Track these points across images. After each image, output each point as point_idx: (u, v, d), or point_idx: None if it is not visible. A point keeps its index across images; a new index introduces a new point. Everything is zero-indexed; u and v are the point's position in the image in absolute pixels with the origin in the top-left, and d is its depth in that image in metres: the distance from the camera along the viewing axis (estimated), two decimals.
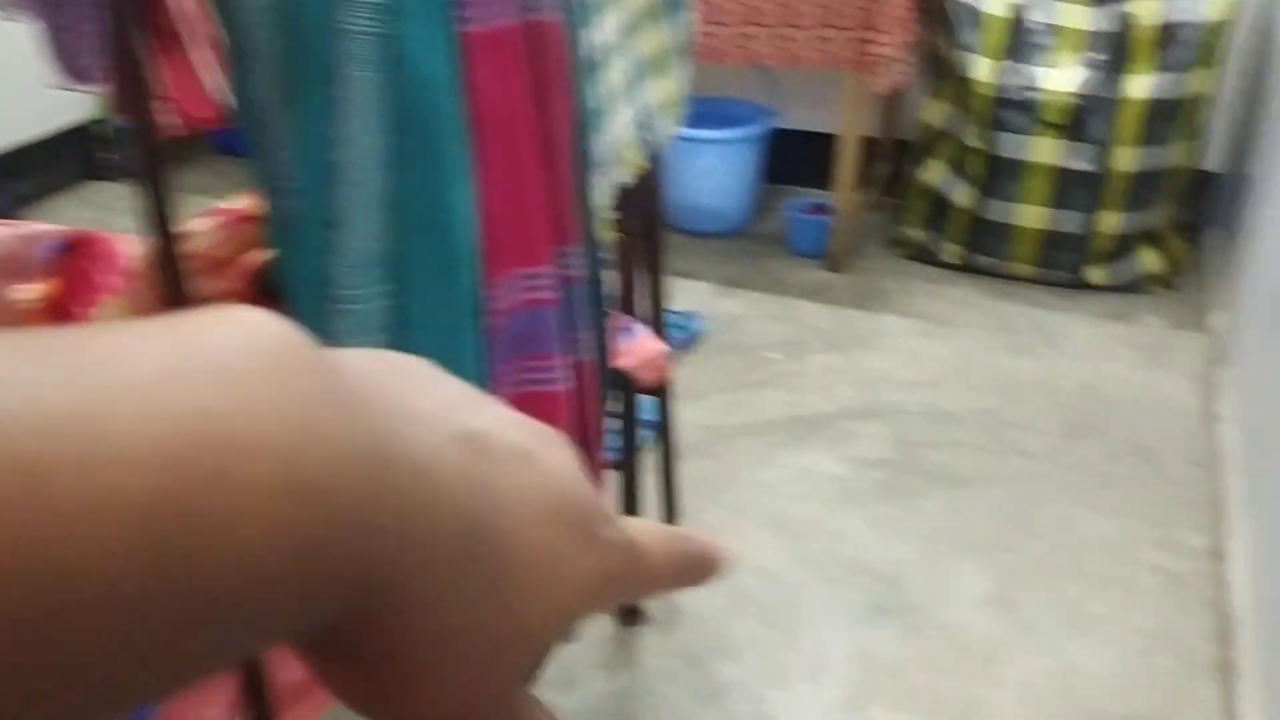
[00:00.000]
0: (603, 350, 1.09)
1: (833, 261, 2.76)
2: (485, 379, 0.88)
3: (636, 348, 1.41)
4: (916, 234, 2.79)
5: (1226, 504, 1.83)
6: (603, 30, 1.12)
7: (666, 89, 1.31)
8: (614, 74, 1.16)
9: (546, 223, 0.90)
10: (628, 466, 1.63)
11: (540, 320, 0.92)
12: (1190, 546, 1.81)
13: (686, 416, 2.19)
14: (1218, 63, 2.40)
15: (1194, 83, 2.39)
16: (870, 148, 3.03)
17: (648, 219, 1.56)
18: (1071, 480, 1.98)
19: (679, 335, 2.43)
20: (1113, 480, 1.98)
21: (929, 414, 2.18)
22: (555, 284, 0.93)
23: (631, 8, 1.22)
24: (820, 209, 2.85)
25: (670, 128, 1.37)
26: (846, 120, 2.61)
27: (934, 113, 2.74)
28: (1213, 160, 2.75)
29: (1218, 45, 2.37)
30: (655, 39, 1.27)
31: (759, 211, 3.06)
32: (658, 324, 1.62)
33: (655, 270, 1.61)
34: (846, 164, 2.64)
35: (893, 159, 3.07)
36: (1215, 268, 2.63)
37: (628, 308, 1.51)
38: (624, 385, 1.55)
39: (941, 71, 2.67)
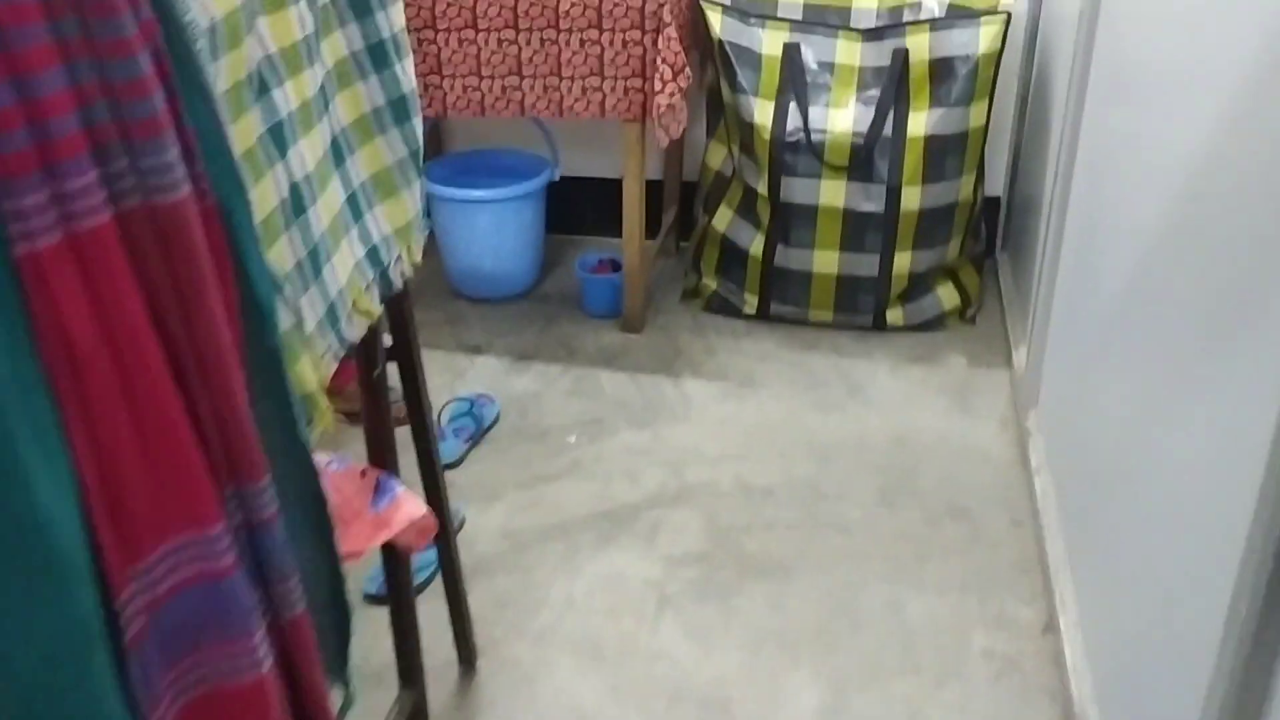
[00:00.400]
0: (333, 578, 0.86)
1: (628, 321, 2.59)
2: (136, 707, 0.63)
3: (396, 513, 1.18)
4: (711, 283, 2.65)
5: (1051, 568, 1.76)
6: (301, 162, 0.89)
7: (398, 212, 1.09)
8: (324, 213, 0.93)
9: (205, 465, 0.67)
10: (405, 618, 1.39)
11: (216, 596, 0.68)
12: (1021, 622, 1.72)
13: (484, 523, 1.96)
14: (992, 95, 2.36)
15: (971, 116, 2.34)
16: (657, 192, 2.89)
17: (406, 366, 1.33)
18: (893, 555, 1.87)
19: (468, 426, 2.20)
20: (934, 550, 1.88)
21: (741, 492, 2.04)
22: (232, 540, 0.69)
23: (341, 124, 0.99)
24: (612, 265, 2.68)
25: (412, 254, 1.14)
26: (628, 168, 2.44)
27: (718, 157, 2.62)
28: (995, 185, 2.74)
29: (990, 77, 2.33)
30: (376, 157, 1.04)
31: (548, 268, 2.86)
32: (432, 490, 1.40)
33: (419, 415, 1.38)
34: (632, 215, 2.48)
35: (681, 203, 2.94)
36: (1011, 297, 2.60)
37: (380, 463, 1.27)
38: (393, 558, 1.32)
39: (723, 114, 2.54)
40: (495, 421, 2.26)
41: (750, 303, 2.59)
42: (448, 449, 2.13)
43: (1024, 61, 2.58)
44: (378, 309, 1.07)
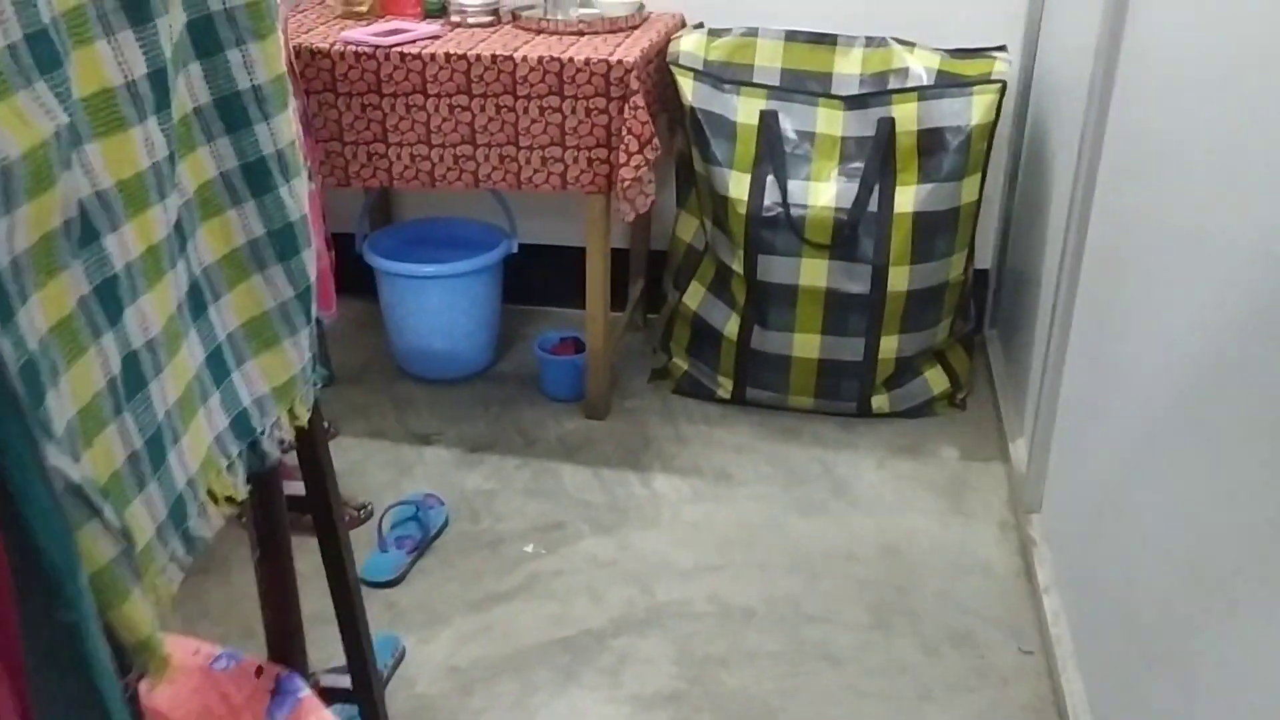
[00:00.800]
0: None
1: (592, 407, 2.38)
2: None
3: None
4: (682, 364, 2.45)
5: (1070, 712, 1.56)
6: (142, 324, 0.68)
7: (278, 367, 0.87)
8: (172, 384, 0.72)
9: None
10: None
11: None
12: None
13: (426, 655, 1.74)
14: (985, 169, 2.19)
15: (963, 191, 2.17)
16: (623, 261, 2.69)
17: (324, 524, 1.11)
18: (890, 693, 1.66)
19: (413, 535, 1.97)
20: (936, 686, 1.67)
21: (718, 613, 1.82)
22: None
23: (204, 263, 0.78)
24: (575, 344, 2.47)
25: (296, 416, 0.93)
26: (591, 244, 2.24)
27: (689, 229, 2.42)
28: (982, 257, 2.57)
29: (984, 150, 2.16)
30: (252, 300, 0.83)
31: (505, 344, 2.65)
32: (361, 679, 1.17)
33: (342, 586, 1.16)
34: (596, 294, 2.28)
35: (649, 273, 2.74)
36: (1004, 380, 2.42)
37: (283, 656, 1.05)
38: None
39: (694, 183, 2.35)
40: (443, 527, 2.03)
41: (725, 386, 2.39)
42: (388, 563, 1.91)
43: (1015, 128, 2.41)
44: (242, 492, 0.85)
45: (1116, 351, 1.54)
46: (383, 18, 2.38)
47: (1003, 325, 2.58)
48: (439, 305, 2.41)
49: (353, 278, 2.44)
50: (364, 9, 2.35)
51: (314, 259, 0.86)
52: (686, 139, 2.31)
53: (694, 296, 2.41)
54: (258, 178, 0.79)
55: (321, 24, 2.31)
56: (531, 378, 2.52)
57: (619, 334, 2.59)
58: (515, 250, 2.47)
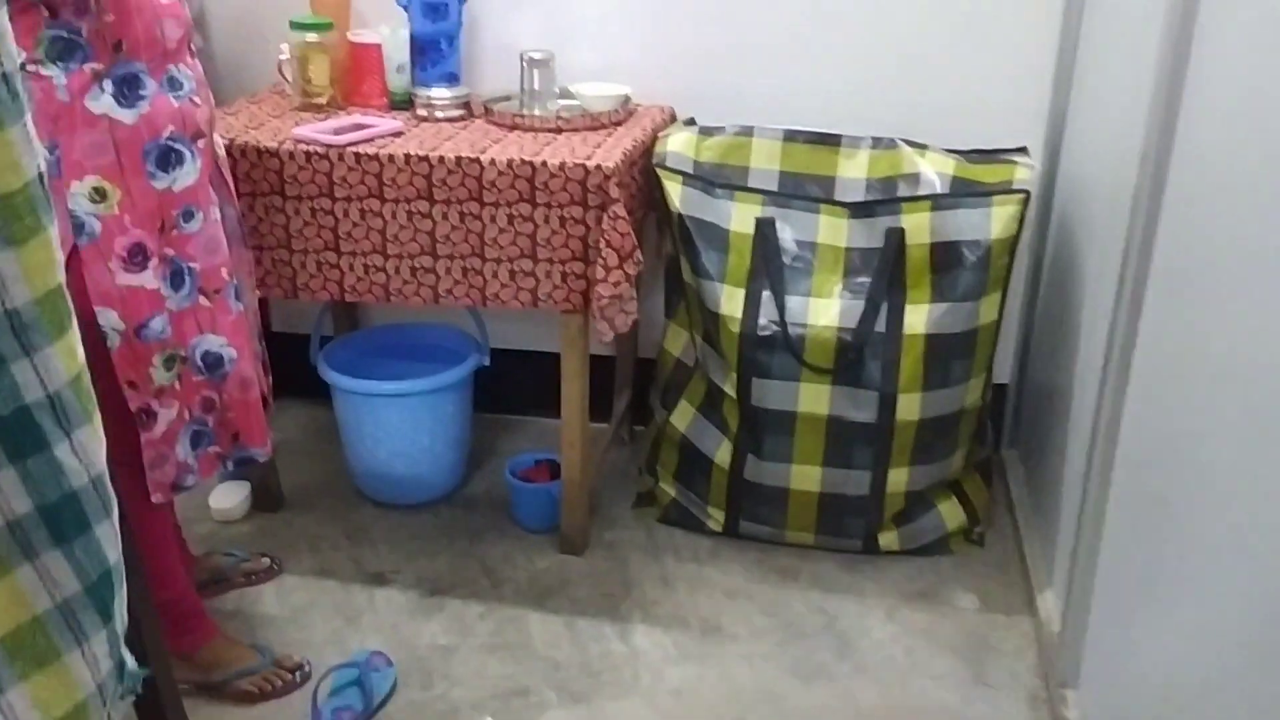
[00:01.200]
0: None
1: (568, 540, 2.13)
2: None
3: None
4: (669, 491, 2.21)
5: None
6: None
7: (57, 691, 0.63)
8: None
9: None
10: None
11: None
12: None
13: None
14: (1006, 286, 1.96)
15: (981, 311, 1.94)
16: (606, 369, 2.46)
17: None
18: None
19: (352, 707, 1.72)
20: None
21: None
22: None
23: None
24: (550, 468, 2.23)
25: None
26: (568, 366, 2.01)
27: (677, 342, 2.19)
28: (1000, 370, 2.33)
29: (1004, 266, 1.93)
30: (15, 604, 0.59)
31: (475, 461, 2.40)
32: None
33: None
34: (573, 422, 2.04)
35: (635, 383, 2.51)
36: (1027, 514, 2.17)
37: None
38: None
39: (683, 293, 2.13)
40: (390, 694, 1.78)
41: (715, 518, 2.15)
42: None
43: (1036, 233, 2.19)
44: None
45: (1180, 492, 1.30)
46: (344, 109, 2.18)
47: (1024, 445, 2.34)
48: (400, 426, 2.17)
49: (312, 380, 2.21)
50: (323, 100, 2.15)
51: (114, 532, 0.63)
52: (674, 243, 2.09)
53: (682, 417, 2.17)
54: (19, 433, 0.57)
55: (275, 117, 2.10)
56: (503, 502, 2.27)
57: (602, 449, 2.35)
58: (486, 363, 2.24)
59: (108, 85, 1.45)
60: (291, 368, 2.28)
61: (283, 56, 2.17)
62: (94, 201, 1.46)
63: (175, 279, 1.57)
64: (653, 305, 2.35)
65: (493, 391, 2.45)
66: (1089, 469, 1.62)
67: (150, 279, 1.53)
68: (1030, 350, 2.30)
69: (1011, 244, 1.91)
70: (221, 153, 1.70)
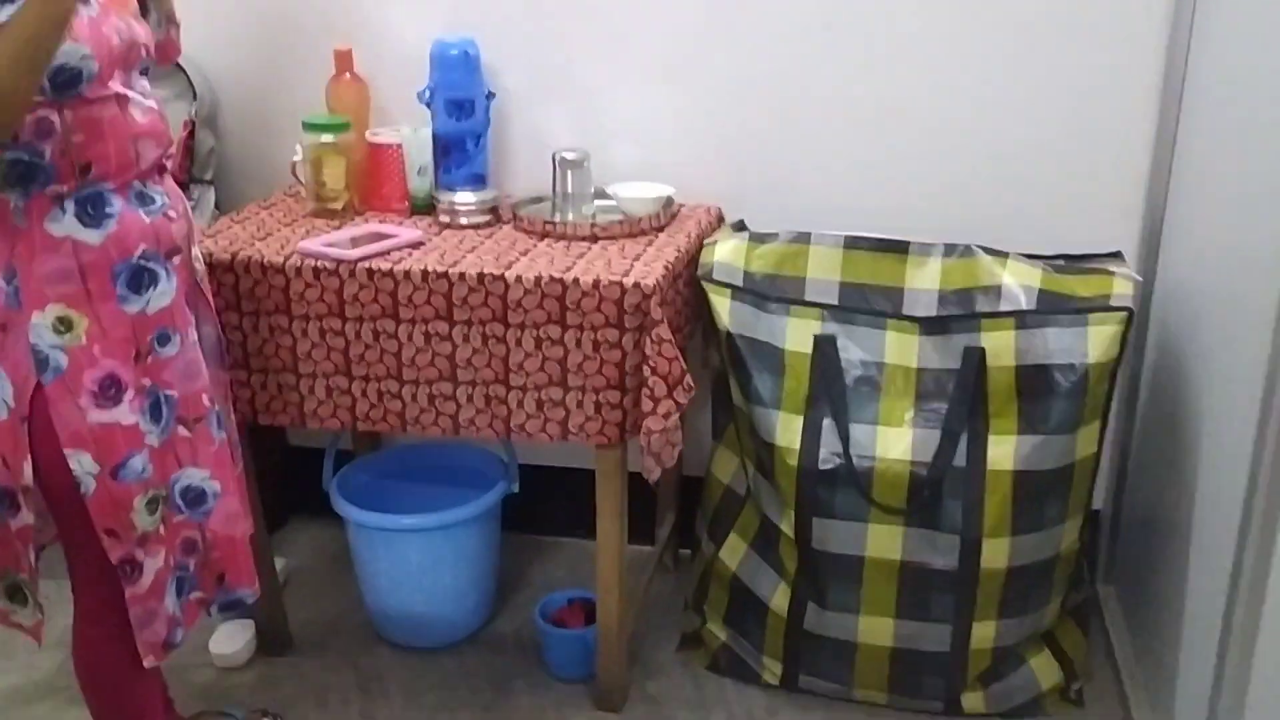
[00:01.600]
0: None
1: (604, 694, 1.89)
2: None
3: None
4: (719, 634, 1.96)
5: None
6: None
7: None
8: None
9: None
10: None
11: None
12: None
13: None
14: (1105, 415, 1.71)
15: (1078, 444, 1.69)
16: (647, 488, 2.22)
17: None
18: None
19: None
20: None
21: None
22: None
23: None
24: (585, 608, 1.99)
25: None
26: (605, 505, 1.79)
27: (727, 467, 1.96)
28: (1097, 495, 2.06)
29: (1104, 393, 1.68)
30: None
31: (504, 590, 2.18)
32: None
33: None
34: (610, 566, 1.81)
35: (681, 504, 2.27)
36: (1131, 665, 1.89)
37: None
38: None
39: (732, 414, 1.90)
40: None
41: (771, 669, 1.90)
42: None
43: (1132, 345, 1.94)
44: None
45: None
46: (361, 214, 2.00)
47: (1124, 581, 2.07)
48: (420, 562, 1.96)
49: (328, 497, 2.01)
50: (339, 205, 1.97)
51: None
52: (721, 357, 1.87)
53: (733, 553, 1.93)
54: None
55: (285, 225, 1.92)
56: (533, 644, 2.04)
57: (645, 578, 2.12)
58: (515, 489, 2.03)
59: (69, 206, 1.29)
60: (308, 484, 2.09)
61: (296, 158, 2.00)
62: (58, 333, 1.31)
63: (154, 410, 1.41)
64: (699, 419, 2.12)
65: (523, 511, 2.22)
66: (1230, 613, 1.35)
67: (126, 413, 1.36)
68: (1128, 475, 2.04)
69: (1112, 368, 1.67)
70: (201, 267, 1.54)
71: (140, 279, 1.36)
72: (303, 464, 2.21)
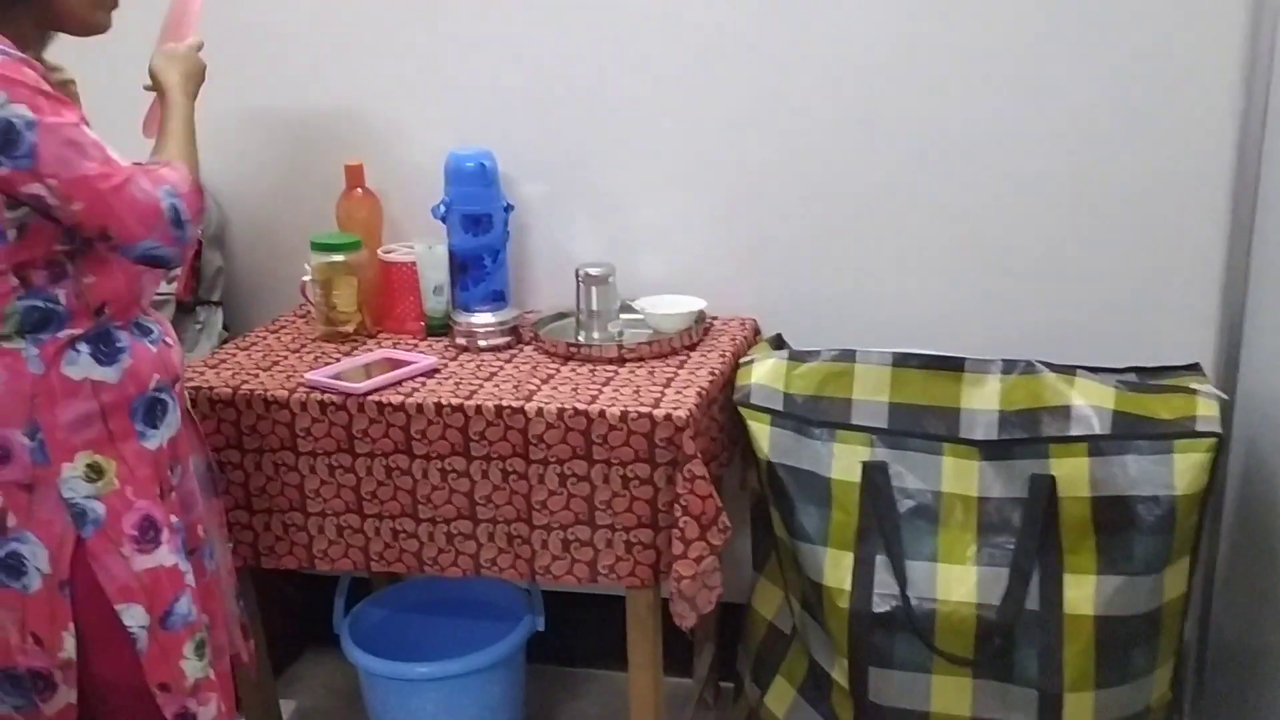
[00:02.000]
0: None
1: None
2: None
3: None
4: None
5: None
6: None
7: None
8: None
9: None
10: None
11: None
12: None
13: None
14: (1195, 552, 1.54)
15: (1166, 585, 1.51)
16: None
17: None
18: None
19: None
20: None
21: None
22: None
23: None
24: None
25: None
26: (637, 648, 1.63)
27: (770, 603, 1.80)
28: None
29: (1193, 527, 1.51)
30: None
31: None
32: None
33: None
34: (645, 697, 1.65)
35: (720, 635, 2.10)
36: None
37: None
38: None
39: (775, 545, 1.74)
40: None
41: None
42: None
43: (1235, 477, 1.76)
44: None
45: None
46: (374, 335, 1.89)
47: (1214, 715, 1.87)
48: (437, 715, 1.80)
49: None
50: (349, 328, 1.86)
51: None
52: (761, 482, 1.71)
53: (779, 700, 1.76)
54: None
55: (293, 351, 1.81)
56: None
57: (685, 716, 1.94)
58: (540, 628, 1.87)
59: (83, 347, 1.24)
60: (325, 612, 1.95)
61: (306, 278, 1.89)
62: (90, 481, 1.24)
63: (184, 546, 1.35)
64: (739, 544, 1.95)
65: (550, 641, 2.05)
66: None
67: (167, 554, 1.29)
68: (1213, 603, 1.85)
69: (1201, 499, 1.49)
70: (185, 394, 1.48)
71: (154, 411, 1.31)
72: (319, 592, 2.07)
